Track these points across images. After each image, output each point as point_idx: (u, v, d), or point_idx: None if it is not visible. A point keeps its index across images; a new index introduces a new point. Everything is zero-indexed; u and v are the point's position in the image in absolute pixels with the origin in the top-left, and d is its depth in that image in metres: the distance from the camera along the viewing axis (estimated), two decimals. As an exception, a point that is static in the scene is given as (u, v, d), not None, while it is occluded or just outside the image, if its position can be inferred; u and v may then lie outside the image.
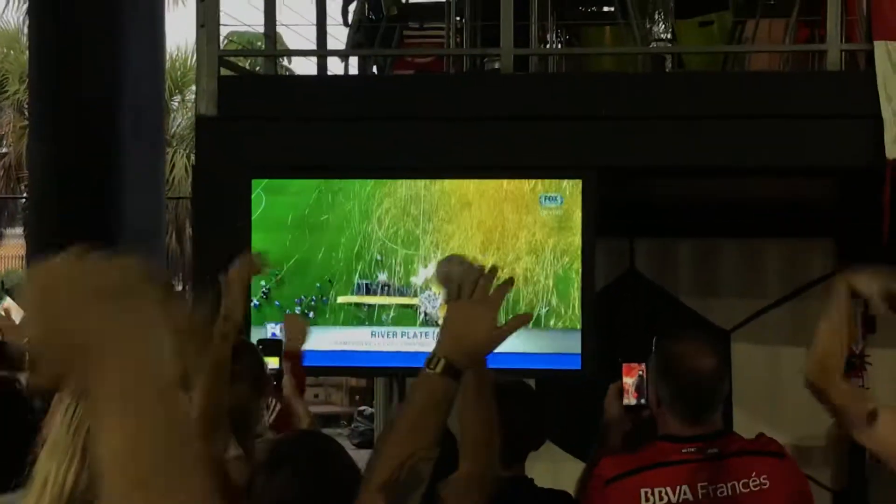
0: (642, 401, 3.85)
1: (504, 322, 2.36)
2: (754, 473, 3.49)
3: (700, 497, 3.42)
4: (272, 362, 4.45)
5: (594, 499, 3.56)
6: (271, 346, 4.58)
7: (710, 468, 3.46)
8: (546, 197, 5.95)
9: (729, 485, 3.45)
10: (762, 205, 7.05)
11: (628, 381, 3.90)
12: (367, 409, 13.49)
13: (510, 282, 2.43)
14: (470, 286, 2.36)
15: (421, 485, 2.26)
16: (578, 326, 5.93)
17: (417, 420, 2.29)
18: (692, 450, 3.48)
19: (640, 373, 3.90)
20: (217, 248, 6.15)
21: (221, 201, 6.13)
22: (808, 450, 7.50)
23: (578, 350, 5.91)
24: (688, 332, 3.88)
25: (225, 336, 3.51)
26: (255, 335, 5.79)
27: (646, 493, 3.42)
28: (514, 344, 5.77)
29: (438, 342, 2.33)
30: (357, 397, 15.30)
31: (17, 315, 4.85)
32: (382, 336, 5.97)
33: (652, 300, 7.55)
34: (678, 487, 3.42)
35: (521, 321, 2.47)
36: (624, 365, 3.91)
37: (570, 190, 5.95)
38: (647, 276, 7.59)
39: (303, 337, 5.15)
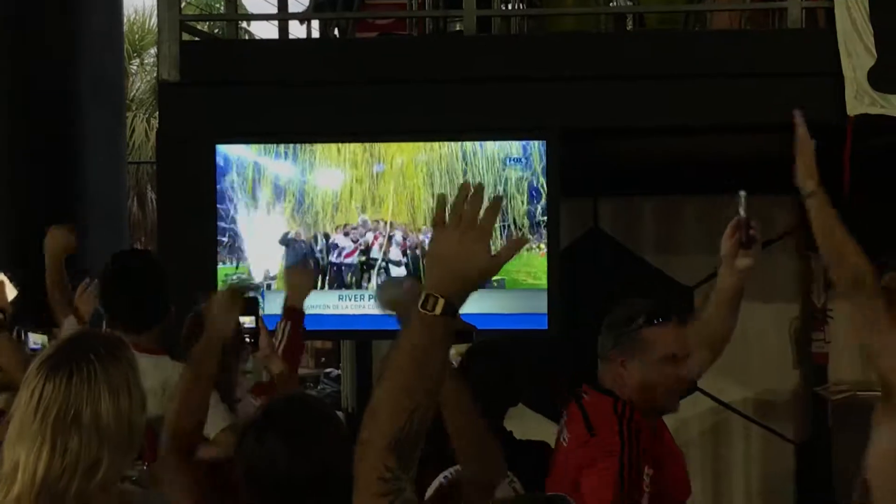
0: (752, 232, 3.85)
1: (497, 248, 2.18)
2: (567, 430, 3.64)
3: (559, 428, 3.72)
4: (249, 321, 4.43)
5: None
6: (248, 304, 4.55)
7: (572, 410, 3.67)
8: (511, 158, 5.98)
9: (564, 430, 3.67)
10: (724, 162, 7.09)
11: (744, 214, 3.87)
12: (334, 371, 13.48)
13: (498, 202, 2.21)
14: (457, 211, 2.15)
15: (423, 435, 2.15)
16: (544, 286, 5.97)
17: (420, 365, 2.13)
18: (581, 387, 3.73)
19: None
20: (181, 213, 6.15)
21: (185, 167, 6.11)
22: (770, 403, 7.60)
23: (545, 310, 5.94)
24: None
25: (207, 354, 3.60)
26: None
27: None
28: (480, 305, 5.84)
29: (429, 278, 2.16)
30: (323, 359, 15.26)
31: (10, 292, 4.79)
32: (350, 299, 5.99)
33: (615, 258, 7.60)
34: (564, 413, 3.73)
35: (517, 245, 2.27)
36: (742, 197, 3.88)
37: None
38: (611, 235, 7.64)
39: (306, 290, 4.77)
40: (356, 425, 2.22)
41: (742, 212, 3.85)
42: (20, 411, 2.50)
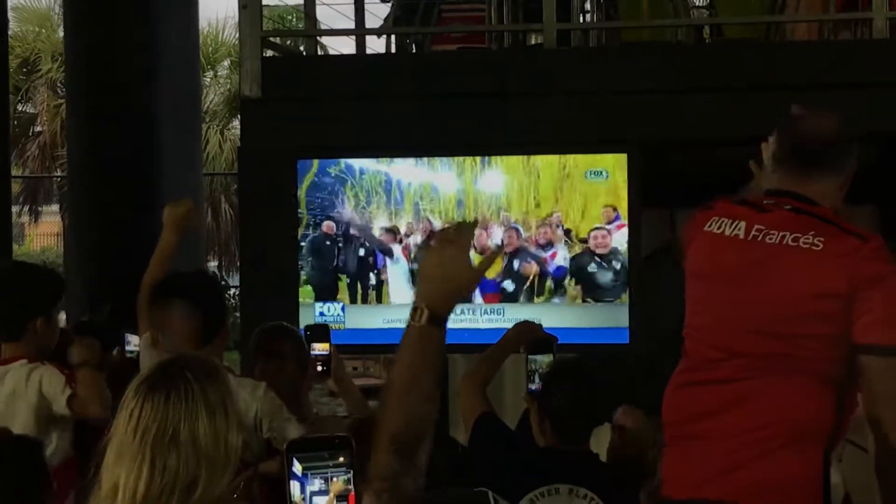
0: None
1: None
2: (812, 233, 3.23)
3: (748, 237, 3.29)
4: (321, 348, 4.43)
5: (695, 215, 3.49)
6: (319, 331, 4.55)
7: (774, 217, 3.29)
8: (592, 172, 5.97)
9: (780, 234, 3.27)
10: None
11: None
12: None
13: (475, 222, 2.50)
14: (439, 235, 2.44)
15: (427, 435, 2.33)
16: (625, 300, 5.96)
17: (413, 374, 2.33)
18: (771, 202, 3.34)
19: None
20: (263, 229, 6.20)
21: (267, 182, 6.15)
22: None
23: (626, 324, 5.92)
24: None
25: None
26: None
27: (713, 220, 3.36)
28: (562, 318, 5.84)
29: (417, 291, 2.39)
30: (396, 369, 15.33)
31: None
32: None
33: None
34: (735, 222, 3.33)
35: (493, 256, 2.52)
36: None
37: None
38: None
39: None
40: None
41: None
42: (119, 433, 2.52)
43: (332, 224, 6.04)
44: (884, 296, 3.13)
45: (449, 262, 2.38)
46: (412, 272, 6.00)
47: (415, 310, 2.34)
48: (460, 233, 2.42)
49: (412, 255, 6.02)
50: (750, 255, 3.28)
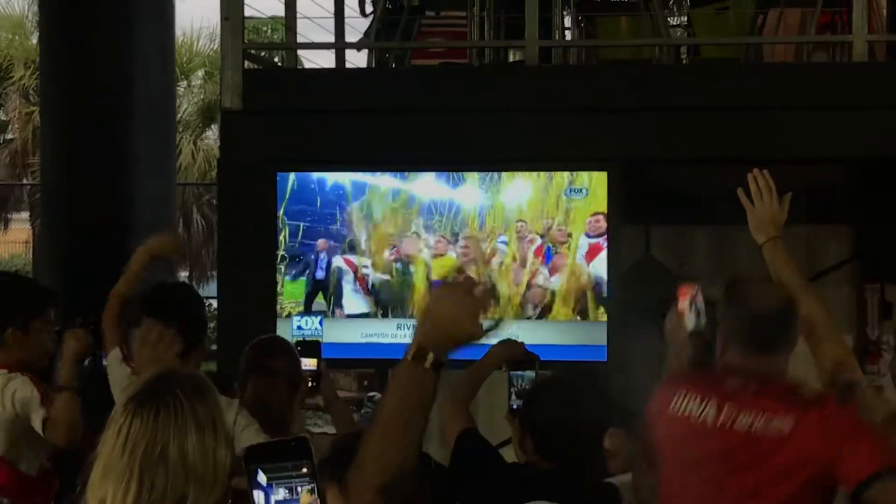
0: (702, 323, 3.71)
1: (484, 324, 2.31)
2: (782, 412, 3.34)
3: (719, 420, 3.41)
4: (310, 363, 4.42)
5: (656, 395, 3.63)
6: (309, 346, 4.54)
7: (743, 398, 3.40)
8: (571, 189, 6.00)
9: (750, 416, 3.38)
10: (778, 192, 7.06)
11: (683, 304, 3.73)
12: (377, 395, 13.49)
13: (492, 288, 2.44)
14: (463, 283, 2.32)
15: (412, 476, 2.28)
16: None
17: (409, 417, 2.27)
18: (736, 382, 3.44)
19: (691, 296, 3.71)
20: (242, 242, 6.18)
21: (247, 195, 6.13)
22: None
23: (604, 342, 5.93)
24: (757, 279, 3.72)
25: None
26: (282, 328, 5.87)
27: (679, 395, 3.49)
28: (541, 335, 5.84)
29: (422, 331, 2.28)
30: (366, 382, 15.25)
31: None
32: (407, 328, 6.00)
33: (667, 287, 7.55)
34: (707, 400, 3.44)
35: (495, 327, 2.39)
36: (679, 286, 3.76)
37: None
38: (663, 263, 7.61)
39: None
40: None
41: (683, 304, 3.76)
42: (107, 449, 2.49)
43: (324, 241, 6.06)
44: (865, 440, 3.26)
45: (463, 314, 2.28)
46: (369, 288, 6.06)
47: (418, 350, 2.25)
48: (482, 293, 2.30)
49: (392, 271, 6.06)
50: (720, 445, 3.40)
